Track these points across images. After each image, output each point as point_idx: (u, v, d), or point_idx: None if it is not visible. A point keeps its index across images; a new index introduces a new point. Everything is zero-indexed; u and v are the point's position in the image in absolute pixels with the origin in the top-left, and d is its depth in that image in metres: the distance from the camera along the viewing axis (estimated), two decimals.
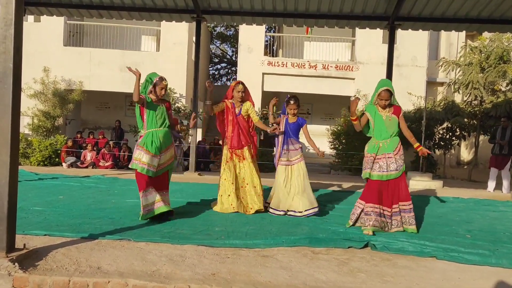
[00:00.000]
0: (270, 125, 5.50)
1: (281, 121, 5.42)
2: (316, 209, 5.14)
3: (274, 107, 5.61)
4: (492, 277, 3.24)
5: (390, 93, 4.42)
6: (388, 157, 4.42)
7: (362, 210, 4.50)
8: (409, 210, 4.46)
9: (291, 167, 5.29)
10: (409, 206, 4.47)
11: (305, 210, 5.10)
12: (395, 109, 4.54)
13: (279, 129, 5.34)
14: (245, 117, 5.47)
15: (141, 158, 4.51)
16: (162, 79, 4.67)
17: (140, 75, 4.42)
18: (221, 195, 5.33)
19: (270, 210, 5.29)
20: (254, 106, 5.55)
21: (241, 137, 5.39)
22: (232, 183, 5.29)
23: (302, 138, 5.51)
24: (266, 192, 5.61)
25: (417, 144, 4.62)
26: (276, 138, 5.48)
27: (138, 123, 4.70)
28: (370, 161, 4.48)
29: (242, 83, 5.48)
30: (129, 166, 4.71)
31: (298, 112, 5.44)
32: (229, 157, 5.42)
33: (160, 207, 4.50)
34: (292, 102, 5.34)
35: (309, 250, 3.76)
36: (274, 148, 5.59)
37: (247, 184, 5.36)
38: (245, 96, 5.47)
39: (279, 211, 5.20)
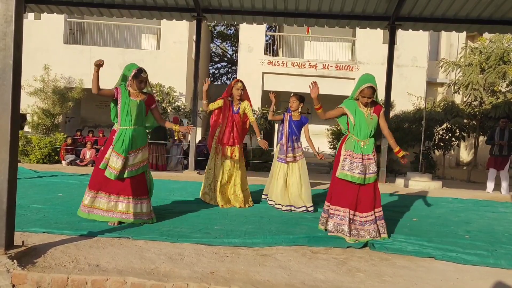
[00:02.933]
0: (269, 115, 5.81)
1: (285, 118, 5.57)
2: (311, 208, 5.34)
3: (274, 107, 5.83)
4: (491, 277, 3.24)
5: (374, 90, 4.03)
6: (368, 159, 4.10)
7: (329, 215, 4.20)
8: (382, 217, 4.15)
9: (292, 164, 5.47)
10: (381, 213, 4.16)
11: (301, 206, 5.33)
12: (376, 108, 4.19)
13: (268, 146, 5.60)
14: (241, 115, 5.59)
15: (111, 162, 4.16)
16: (141, 70, 4.25)
17: (100, 64, 3.91)
18: (208, 187, 5.60)
19: (270, 202, 5.50)
20: (251, 106, 5.67)
21: (233, 134, 5.49)
22: (217, 177, 5.49)
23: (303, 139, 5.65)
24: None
25: (398, 148, 4.30)
26: (281, 134, 5.62)
27: (112, 115, 4.30)
28: (355, 160, 4.07)
29: (241, 82, 5.63)
30: (99, 167, 4.25)
31: (299, 108, 5.57)
32: (217, 152, 5.55)
33: (103, 215, 4.23)
34: (291, 95, 5.56)
35: (308, 249, 3.76)
36: (274, 147, 5.71)
37: (231, 182, 5.54)
38: (244, 95, 5.58)
39: (286, 206, 5.34)
